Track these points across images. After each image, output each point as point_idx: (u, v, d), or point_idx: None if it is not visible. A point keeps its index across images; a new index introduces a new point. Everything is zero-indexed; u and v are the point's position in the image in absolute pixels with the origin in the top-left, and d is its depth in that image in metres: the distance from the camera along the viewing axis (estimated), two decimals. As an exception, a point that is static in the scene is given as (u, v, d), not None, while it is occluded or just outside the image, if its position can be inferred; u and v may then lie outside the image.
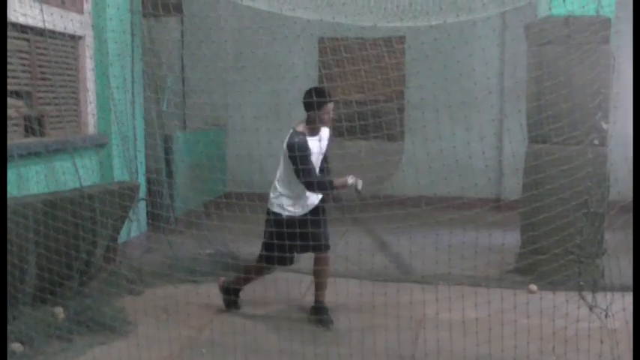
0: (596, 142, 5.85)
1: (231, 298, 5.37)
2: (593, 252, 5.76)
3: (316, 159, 4.97)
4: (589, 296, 5.27)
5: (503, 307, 4.40)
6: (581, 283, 5.26)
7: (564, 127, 5.67)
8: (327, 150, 5.14)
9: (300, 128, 4.94)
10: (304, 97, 4.89)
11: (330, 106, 4.97)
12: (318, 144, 4.98)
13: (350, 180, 4.84)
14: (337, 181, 4.89)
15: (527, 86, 6.31)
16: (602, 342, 4.09)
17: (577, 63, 5.75)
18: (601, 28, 5.84)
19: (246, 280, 5.34)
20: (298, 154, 4.73)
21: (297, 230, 4.76)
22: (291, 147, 4.80)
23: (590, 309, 5.09)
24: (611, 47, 5.91)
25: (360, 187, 4.84)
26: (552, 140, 5.83)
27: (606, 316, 4.91)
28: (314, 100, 4.79)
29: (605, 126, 5.87)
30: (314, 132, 4.98)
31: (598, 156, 5.77)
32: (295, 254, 5.11)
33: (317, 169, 4.98)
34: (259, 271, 5.29)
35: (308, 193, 4.96)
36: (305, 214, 4.98)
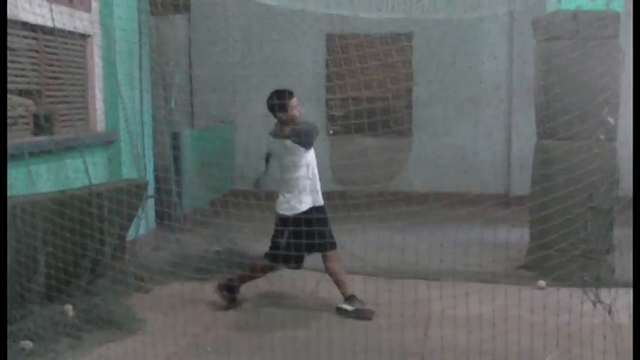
0: (602, 137, 5.81)
1: (229, 295, 5.40)
2: (599, 247, 5.72)
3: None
4: (592, 292, 5.24)
5: (509, 303, 4.39)
6: (586, 278, 5.23)
7: (572, 122, 5.64)
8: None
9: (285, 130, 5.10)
10: (269, 101, 5.06)
11: (295, 101, 5.08)
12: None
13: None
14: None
15: (535, 81, 6.28)
16: (604, 337, 4.06)
17: (585, 58, 5.72)
18: (610, 22, 5.80)
19: (250, 279, 5.40)
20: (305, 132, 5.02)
21: (303, 228, 4.82)
22: (299, 134, 5.00)
23: (594, 305, 5.05)
24: (620, 42, 5.87)
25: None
26: (560, 135, 5.80)
27: (610, 311, 4.88)
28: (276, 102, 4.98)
29: (612, 121, 5.83)
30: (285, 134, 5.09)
31: (605, 151, 5.73)
32: (304, 254, 5.15)
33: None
34: (265, 270, 5.37)
35: (306, 189, 5.05)
36: (308, 212, 5.04)
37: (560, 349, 4.23)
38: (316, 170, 5.15)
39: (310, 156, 5.08)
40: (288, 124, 5.08)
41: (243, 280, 5.43)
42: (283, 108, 5.02)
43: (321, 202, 5.17)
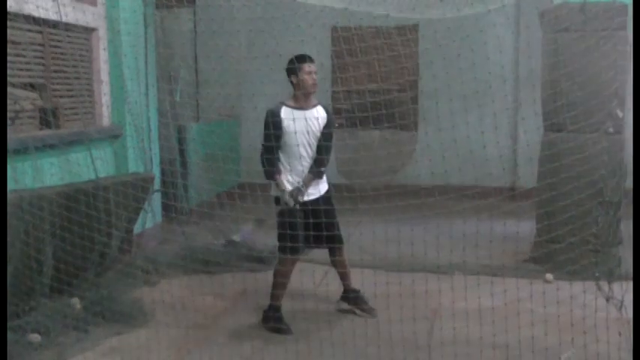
0: (610, 129, 5.79)
1: (274, 323, 4.83)
2: (608, 241, 5.71)
3: (303, 138, 4.71)
4: (605, 286, 5.22)
5: (519, 296, 4.37)
6: (597, 273, 5.21)
7: (579, 115, 5.61)
8: (324, 128, 4.84)
9: (287, 100, 4.83)
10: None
11: (310, 67, 4.73)
12: (304, 122, 4.71)
13: (285, 194, 4.66)
14: (278, 179, 4.71)
15: (542, 74, 6.25)
16: (620, 334, 4.03)
17: (593, 50, 5.69)
18: (617, 14, 5.77)
19: (283, 286, 4.90)
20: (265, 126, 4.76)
21: (311, 220, 4.73)
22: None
23: (607, 300, 5.03)
24: (628, 34, 5.84)
25: (290, 203, 4.66)
26: (568, 128, 5.77)
27: (621, 306, 4.86)
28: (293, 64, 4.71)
29: (620, 114, 5.81)
30: (301, 104, 4.78)
31: (613, 144, 5.72)
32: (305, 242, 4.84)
33: (305, 148, 4.74)
34: (291, 264, 4.89)
35: (284, 177, 4.76)
36: (315, 202, 4.83)
37: (575, 345, 4.19)
38: (296, 164, 4.76)
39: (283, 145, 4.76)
40: (298, 89, 4.76)
41: (276, 297, 4.92)
42: (294, 71, 4.74)
43: (308, 197, 4.81)
